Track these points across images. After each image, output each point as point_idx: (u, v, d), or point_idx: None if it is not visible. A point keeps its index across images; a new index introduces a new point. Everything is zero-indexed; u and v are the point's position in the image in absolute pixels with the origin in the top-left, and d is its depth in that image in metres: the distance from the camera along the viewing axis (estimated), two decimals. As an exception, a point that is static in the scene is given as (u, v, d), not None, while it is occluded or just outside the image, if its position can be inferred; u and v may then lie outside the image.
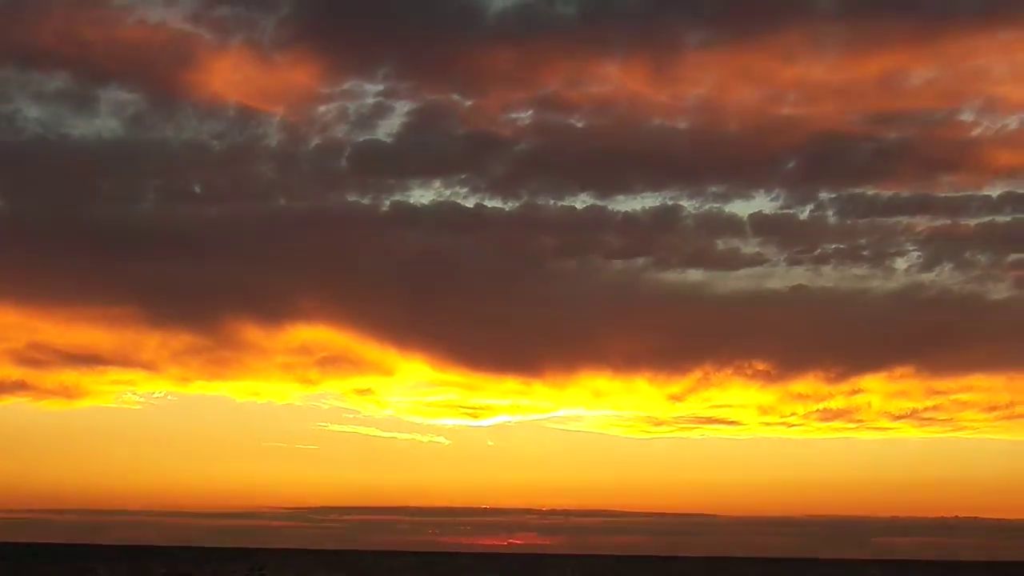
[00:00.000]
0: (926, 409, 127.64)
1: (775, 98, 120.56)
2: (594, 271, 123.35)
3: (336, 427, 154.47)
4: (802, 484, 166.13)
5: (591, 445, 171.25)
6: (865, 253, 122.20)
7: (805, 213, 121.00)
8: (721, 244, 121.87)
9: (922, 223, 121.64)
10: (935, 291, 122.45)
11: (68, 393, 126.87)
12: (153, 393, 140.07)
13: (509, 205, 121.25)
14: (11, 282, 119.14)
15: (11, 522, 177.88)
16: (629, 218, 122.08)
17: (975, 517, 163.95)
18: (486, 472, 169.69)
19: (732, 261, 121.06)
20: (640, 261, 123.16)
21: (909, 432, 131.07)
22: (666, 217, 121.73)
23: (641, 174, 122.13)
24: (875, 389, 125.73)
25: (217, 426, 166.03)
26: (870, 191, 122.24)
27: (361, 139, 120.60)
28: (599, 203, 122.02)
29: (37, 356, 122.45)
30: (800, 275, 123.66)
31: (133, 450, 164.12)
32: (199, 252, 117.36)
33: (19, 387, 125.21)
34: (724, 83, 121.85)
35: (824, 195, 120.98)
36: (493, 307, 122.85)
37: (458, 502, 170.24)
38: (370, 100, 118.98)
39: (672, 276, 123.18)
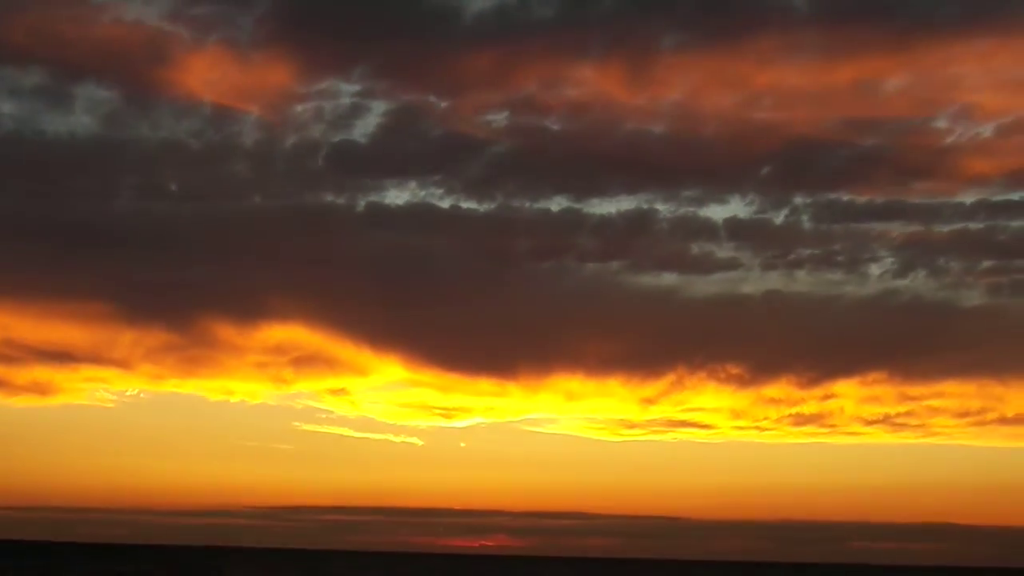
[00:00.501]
0: (898, 415, 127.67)
1: (751, 103, 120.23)
2: (568, 273, 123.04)
3: (309, 427, 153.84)
4: (774, 488, 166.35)
5: (564, 447, 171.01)
6: (839, 259, 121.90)
7: (780, 218, 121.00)
8: (695, 248, 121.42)
9: (896, 229, 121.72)
10: (908, 297, 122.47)
11: (41, 390, 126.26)
12: (126, 391, 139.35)
13: (484, 206, 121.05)
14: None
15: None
16: (604, 221, 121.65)
17: (946, 523, 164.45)
18: (459, 474, 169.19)
19: (706, 265, 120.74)
20: (614, 264, 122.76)
21: (881, 437, 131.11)
22: (641, 220, 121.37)
23: (616, 177, 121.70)
24: (848, 394, 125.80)
25: (190, 425, 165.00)
26: (844, 197, 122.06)
27: (337, 139, 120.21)
28: (574, 206, 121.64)
29: (10, 353, 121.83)
30: (774, 280, 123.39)
31: (106, 448, 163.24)
32: (174, 250, 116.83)
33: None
34: (700, 87, 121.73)
35: (799, 200, 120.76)
36: (467, 308, 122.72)
37: (430, 503, 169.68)
38: (346, 100, 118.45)
39: (646, 279, 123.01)
